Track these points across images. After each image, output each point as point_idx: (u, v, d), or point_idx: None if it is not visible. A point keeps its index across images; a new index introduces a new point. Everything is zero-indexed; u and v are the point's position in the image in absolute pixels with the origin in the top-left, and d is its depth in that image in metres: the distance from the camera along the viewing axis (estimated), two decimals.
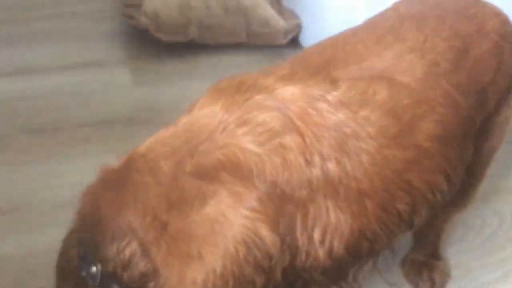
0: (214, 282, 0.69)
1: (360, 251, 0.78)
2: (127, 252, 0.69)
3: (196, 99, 0.79)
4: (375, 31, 0.85)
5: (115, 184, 0.73)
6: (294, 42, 1.97)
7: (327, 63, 0.80)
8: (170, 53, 1.92)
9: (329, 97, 0.75)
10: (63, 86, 1.78)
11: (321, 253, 0.75)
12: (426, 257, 1.23)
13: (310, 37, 1.90)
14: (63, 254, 0.79)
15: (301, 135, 0.72)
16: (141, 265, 0.69)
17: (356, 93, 0.76)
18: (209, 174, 0.70)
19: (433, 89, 0.80)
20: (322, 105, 0.74)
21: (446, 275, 1.23)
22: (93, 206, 0.73)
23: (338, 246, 0.75)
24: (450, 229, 1.25)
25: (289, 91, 0.75)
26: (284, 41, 1.91)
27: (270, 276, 0.72)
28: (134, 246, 0.69)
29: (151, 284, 0.70)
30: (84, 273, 0.73)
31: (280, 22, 1.91)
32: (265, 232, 0.69)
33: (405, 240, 1.24)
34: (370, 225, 0.76)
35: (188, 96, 1.84)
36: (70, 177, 1.45)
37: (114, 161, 0.78)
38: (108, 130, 1.62)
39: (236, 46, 1.96)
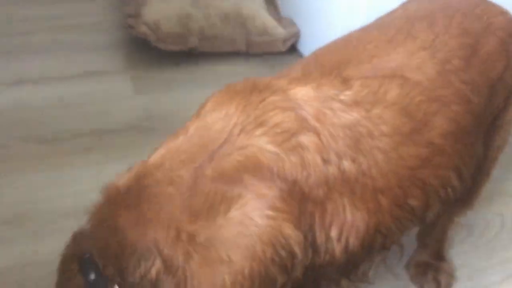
0: (242, 284, 0.68)
1: (374, 246, 0.78)
2: (153, 272, 0.67)
3: (204, 103, 0.77)
4: (386, 30, 0.84)
5: (133, 202, 0.70)
6: (293, 49, 1.96)
7: (339, 63, 0.79)
8: (170, 62, 1.90)
9: (343, 97, 0.74)
10: (64, 97, 1.74)
11: (338, 250, 0.74)
12: (431, 259, 1.21)
13: (309, 44, 1.89)
14: (64, 278, 0.74)
15: (317, 134, 0.71)
16: (166, 283, 0.67)
17: (368, 92, 0.76)
18: (231, 177, 0.69)
19: (445, 86, 0.79)
20: (336, 105, 0.74)
21: (451, 276, 1.21)
22: (112, 230, 0.69)
23: (353, 243, 0.74)
24: (453, 230, 1.24)
25: (303, 92, 0.74)
26: (283, 48, 1.90)
27: (291, 274, 0.72)
28: (158, 263, 0.67)
29: None
30: None
31: (278, 30, 1.90)
32: (290, 231, 0.69)
33: (409, 242, 1.21)
34: (384, 221, 0.76)
35: (189, 104, 1.81)
36: (71, 187, 1.42)
37: (115, 177, 0.74)
38: (109, 139, 1.59)
39: (235, 54, 1.94)
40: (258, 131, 0.70)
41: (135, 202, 0.69)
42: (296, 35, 1.92)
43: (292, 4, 2.00)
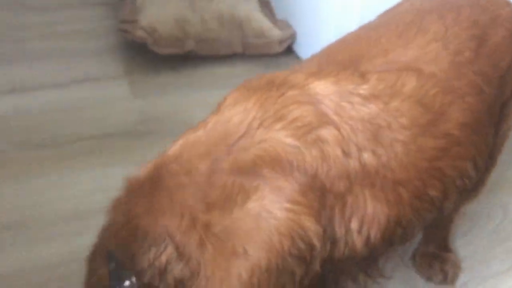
0: (259, 277, 0.66)
1: (394, 239, 0.77)
2: (163, 258, 0.66)
3: (223, 99, 0.76)
4: (395, 25, 0.84)
5: (148, 191, 0.69)
6: (289, 50, 1.94)
7: (354, 58, 0.79)
8: (167, 65, 1.87)
9: (361, 91, 0.74)
10: (61, 102, 1.71)
11: (358, 242, 0.73)
12: (437, 250, 1.20)
13: (305, 45, 1.88)
14: (92, 275, 0.74)
15: (337, 128, 0.71)
16: (176, 270, 0.66)
17: (385, 85, 0.75)
18: (249, 170, 0.67)
19: (459, 78, 0.78)
20: (355, 99, 0.73)
21: (457, 267, 1.21)
22: (126, 217, 0.69)
23: (375, 235, 0.73)
24: (458, 221, 1.22)
25: (322, 86, 0.73)
26: (279, 49, 1.88)
27: (309, 267, 0.70)
28: (169, 250, 0.66)
29: None
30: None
31: (274, 32, 1.88)
32: (309, 224, 0.67)
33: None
34: (405, 213, 0.75)
35: (186, 107, 1.80)
36: (72, 190, 1.39)
37: (136, 171, 0.74)
38: (109, 143, 1.56)
39: (232, 57, 1.92)
40: (277, 125, 0.69)
41: (150, 191, 0.69)
42: (292, 37, 1.90)
43: (287, 6, 1.98)
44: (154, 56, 1.85)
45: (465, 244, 1.27)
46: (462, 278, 1.20)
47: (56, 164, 1.46)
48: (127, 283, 0.68)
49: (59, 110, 1.67)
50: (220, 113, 0.73)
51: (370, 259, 0.78)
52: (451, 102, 0.77)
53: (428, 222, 0.81)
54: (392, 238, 0.76)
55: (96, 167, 1.46)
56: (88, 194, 1.39)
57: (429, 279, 1.19)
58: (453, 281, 1.19)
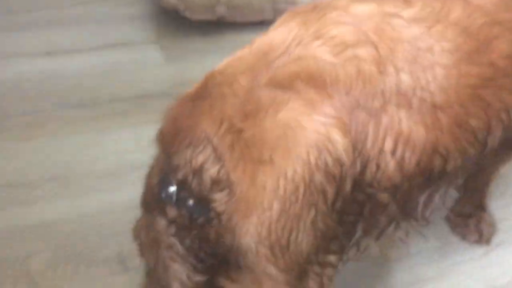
0: (285, 187, 0.66)
1: (432, 169, 0.75)
2: (200, 158, 0.68)
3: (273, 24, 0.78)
4: None
5: (194, 97, 0.73)
6: None
7: None
8: (198, 31, 1.87)
9: (404, 14, 0.72)
10: (97, 66, 1.73)
11: (392, 165, 0.71)
12: (473, 209, 1.18)
13: None
14: (147, 186, 0.78)
15: (376, 47, 0.70)
16: (212, 171, 0.68)
17: (430, 11, 0.73)
18: (284, 84, 0.68)
19: (508, 11, 0.76)
20: (397, 21, 0.72)
21: (492, 227, 1.19)
22: (171, 122, 0.73)
23: (409, 159, 0.71)
24: (494, 183, 1.20)
25: (364, 9, 0.73)
26: None
27: (340, 186, 0.69)
28: (207, 152, 0.68)
29: (223, 193, 0.68)
30: (163, 195, 0.72)
31: None
32: (338, 138, 0.67)
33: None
34: (443, 139, 0.73)
35: None
36: (110, 148, 1.41)
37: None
38: (143, 104, 1.58)
39: (263, 23, 1.90)
40: (315, 43, 0.70)
41: (195, 98, 0.72)
42: None
43: None
44: (185, 22, 1.85)
45: (501, 206, 1.26)
46: (497, 238, 1.19)
47: (94, 123, 1.49)
48: (171, 188, 0.72)
49: (94, 73, 1.69)
50: (266, 34, 0.75)
51: (406, 193, 0.76)
52: (498, 34, 0.74)
53: (470, 162, 0.79)
54: (430, 167, 0.74)
55: (132, 127, 1.48)
56: (125, 152, 1.41)
57: (463, 237, 1.18)
58: (488, 240, 1.18)
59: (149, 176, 0.80)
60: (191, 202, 0.71)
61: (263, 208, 0.66)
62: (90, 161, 1.35)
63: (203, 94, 0.72)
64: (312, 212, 0.68)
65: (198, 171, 0.69)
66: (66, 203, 1.23)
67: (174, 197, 0.72)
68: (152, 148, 1.42)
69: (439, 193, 0.82)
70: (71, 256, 1.11)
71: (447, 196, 0.86)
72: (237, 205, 0.67)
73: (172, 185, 0.72)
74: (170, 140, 0.72)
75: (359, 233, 0.78)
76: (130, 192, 1.30)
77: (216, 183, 0.68)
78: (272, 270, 0.69)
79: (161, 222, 0.74)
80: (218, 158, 0.68)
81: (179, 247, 0.73)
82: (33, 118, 1.49)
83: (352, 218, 0.75)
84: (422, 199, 0.80)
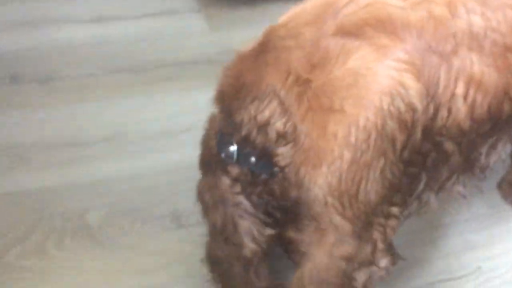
0: (356, 136, 0.65)
1: (501, 114, 0.73)
2: (267, 112, 0.67)
3: None
4: None
5: (256, 52, 0.71)
6: None
7: None
8: (242, 0, 1.85)
9: None
10: (144, 33, 1.73)
11: (463, 110, 0.70)
12: None
13: None
14: (205, 148, 0.78)
15: None
16: (279, 124, 0.67)
17: None
18: (352, 32, 0.66)
19: None
20: None
21: None
22: (232, 79, 0.71)
23: (480, 103, 0.70)
24: None
25: None
26: None
27: (411, 134, 0.68)
28: (273, 105, 0.67)
29: (288, 146, 0.67)
30: (223, 155, 0.72)
31: None
32: (411, 83, 0.65)
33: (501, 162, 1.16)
34: None
35: None
36: (158, 111, 1.42)
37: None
38: (189, 70, 1.59)
39: None
40: None
41: (258, 53, 0.70)
42: None
43: None
44: None
45: None
46: None
47: (142, 88, 1.50)
48: (232, 148, 0.72)
49: (140, 39, 1.70)
50: None
51: (472, 142, 0.75)
52: None
53: None
54: (499, 112, 0.72)
55: (179, 91, 1.49)
56: (173, 115, 1.42)
57: None
58: None
59: (205, 138, 0.80)
60: (253, 159, 0.71)
61: (333, 158, 0.65)
62: (140, 123, 1.37)
63: (266, 49, 0.70)
64: (382, 161, 0.67)
65: (264, 126, 0.68)
66: (119, 163, 1.25)
67: (235, 156, 0.72)
68: (199, 111, 1.42)
69: (501, 143, 0.80)
70: (127, 212, 1.12)
71: (506, 150, 0.85)
72: (305, 157, 0.67)
73: (232, 145, 0.72)
74: (231, 98, 0.71)
75: (421, 186, 0.76)
76: (180, 153, 1.34)
77: (282, 136, 0.68)
78: (338, 220, 0.69)
79: (225, 182, 0.75)
80: (285, 111, 0.67)
81: (247, 204, 0.74)
82: (83, 82, 1.51)
83: (415, 170, 0.74)
84: (484, 149, 0.79)
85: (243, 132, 0.70)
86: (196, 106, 1.48)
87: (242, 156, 0.72)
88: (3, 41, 1.63)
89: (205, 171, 0.79)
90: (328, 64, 0.66)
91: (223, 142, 0.73)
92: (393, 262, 0.78)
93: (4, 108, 1.39)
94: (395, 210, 0.74)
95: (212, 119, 0.80)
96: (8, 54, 1.58)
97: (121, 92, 1.47)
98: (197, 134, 0.85)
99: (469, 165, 0.80)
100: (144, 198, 1.16)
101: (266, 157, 0.70)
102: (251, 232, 0.74)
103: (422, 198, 0.80)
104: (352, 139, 0.65)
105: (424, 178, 0.76)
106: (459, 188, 0.83)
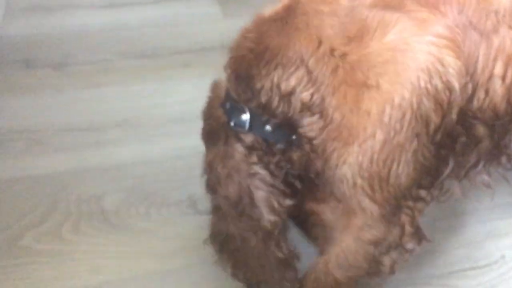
0: (391, 114, 0.61)
1: None
2: (292, 81, 0.63)
3: None
4: None
5: (282, 16, 0.65)
6: None
7: None
8: None
9: None
10: (157, 18, 1.71)
11: (500, 92, 0.66)
12: None
13: None
14: (209, 117, 0.75)
15: None
16: (305, 95, 0.63)
17: None
18: (392, 4, 0.63)
19: None
20: None
21: None
22: (252, 42, 0.66)
23: None
24: None
25: None
26: None
27: (445, 114, 0.65)
28: (300, 73, 0.63)
29: (314, 118, 0.64)
30: (232, 123, 0.69)
31: None
32: (451, 60, 0.62)
33: None
34: None
35: None
36: (173, 97, 1.40)
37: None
38: (204, 56, 1.56)
39: None
40: None
41: (285, 16, 0.65)
42: None
43: None
44: None
45: None
46: None
47: (157, 73, 1.47)
48: (244, 116, 0.68)
49: (154, 25, 1.68)
50: None
51: (503, 127, 0.72)
52: None
53: None
54: None
55: (194, 78, 1.46)
56: (188, 101, 1.39)
57: None
58: None
59: (209, 107, 0.76)
60: (268, 127, 0.68)
61: (365, 136, 0.62)
62: (154, 109, 1.35)
63: (294, 13, 0.65)
64: (415, 143, 0.64)
65: (287, 95, 0.64)
66: (134, 148, 1.23)
67: (247, 125, 0.68)
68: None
69: None
70: (143, 197, 1.10)
71: None
72: (334, 132, 0.63)
73: (244, 113, 0.68)
74: (250, 63, 0.66)
75: (448, 170, 0.73)
76: (196, 139, 1.31)
77: (308, 107, 0.64)
78: (367, 203, 0.66)
79: (240, 151, 0.70)
80: (313, 81, 0.63)
81: (264, 174, 0.70)
82: (97, 67, 1.48)
83: (444, 153, 0.71)
84: None
85: (263, 99, 0.66)
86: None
87: (256, 124, 0.68)
88: (18, 26, 1.61)
89: (213, 142, 0.74)
90: (365, 37, 0.62)
91: (234, 110, 0.69)
92: (420, 244, 0.75)
93: (18, 92, 1.37)
94: (423, 193, 0.71)
95: (216, 87, 0.76)
96: (22, 39, 1.56)
97: (135, 77, 1.45)
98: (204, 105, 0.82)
99: (497, 152, 0.77)
100: (160, 183, 1.14)
101: (286, 126, 0.67)
102: (270, 203, 0.70)
103: (445, 183, 0.77)
104: (386, 118, 0.61)
105: (451, 162, 0.73)
106: (484, 177, 0.79)
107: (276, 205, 0.70)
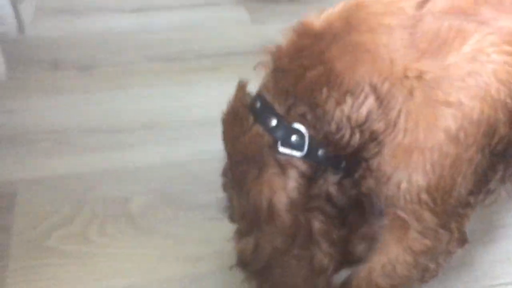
0: (466, 130, 0.58)
1: None
2: (364, 111, 0.58)
3: None
4: None
5: (342, 30, 0.59)
6: None
7: None
8: None
9: None
10: (185, 23, 1.71)
11: None
12: None
13: None
14: (236, 138, 0.67)
15: None
16: (377, 126, 0.58)
17: None
18: (466, 10, 0.58)
19: None
20: None
21: None
22: (310, 59, 0.61)
23: None
24: None
25: None
26: None
27: None
28: (371, 101, 0.58)
29: (378, 143, 0.59)
30: (282, 145, 0.62)
31: None
32: None
33: None
34: None
35: None
36: (197, 101, 1.38)
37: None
38: (231, 60, 1.54)
39: None
40: None
41: (343, 31, 0.59)
42: None
43: None
44: None
45: None
46: None
47: (183, 76, 1.46)
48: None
49: (181, 30, 1.67)
50: None
51: None
52: None
53: None
54: None
55: (219, 82, 1.45)
56: (213, 104, 1.36)
57: None
58: None
59: (235, 116, 0.68)
60: (321, 152, 0.62)
61: (440, 155, 0.58)
62: (180, 111, 1.33)
63: (358, 28, 0.59)
64: (479, 156, 0.61)
65: (358, 126, 0.59)
66: (160, 150, 1.21)
67: (306, 148, 0.62)
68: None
69: None
70: (170, 200, 1.08)
71: None
72: (401, 152, 0.59)
73: (296, 134, 0.62)
74: (313, 84, 0.60)
75: (498, 176, 0.69)
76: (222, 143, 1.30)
77: (378, 135, 0.59)
78: (427, 216, 0.63)
79: (294, 179, 0.62)
80: (386, 109, 0.58)
81: (323, 204, 0.64)
82: (124, 69, 1.48)
83: (496, 160, 0.67)
84: None
85: (331, 128, 0.59)
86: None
87: (312, 148, 0.61)
88: (46, 27, 1.62)
89: (250, 169, 0.65)
90: (442, 50, 0.57)
91: (282, 130, 0.62)
92: (463, 247, 0.71)
93: (46, 93, 1.36)
94: (472, 199, 0.67)
95: (241, 90, 0.71)
96: (51, 40, 1.57)
97: (161, 80, 1.44)
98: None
99: None
100: (187, 187, 1.11)
101: (341, 151, 0.61)
102: (329, 235, 0.64)
103: (491, 188, 0.73)
104: (462, 134, 0.58)
105: (501, 169, 0.70)
106: None
107: (335, 236, 0.66)
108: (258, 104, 0.66)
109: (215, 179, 1.17)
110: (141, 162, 1.17)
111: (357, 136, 0.60)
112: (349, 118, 0.59)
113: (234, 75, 1.48)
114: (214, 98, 1.46)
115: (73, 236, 1.00)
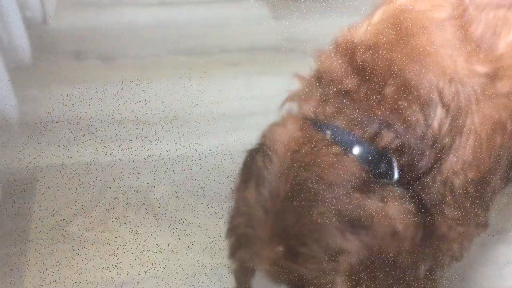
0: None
1: None
2: (436, 124, 0.53)
3: None
4: None
5: (396, 34, 0.56)
6: None
7: None
8: None
9: None
10: (208, 18, 1.70)
11: None
12: None
13: None
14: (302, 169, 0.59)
15: None
16: (447, 140, 0.54)
17: None
18: (503, 2, 0.57)
19: None
20: None
21: None
22: (383, 72, 0.55)
23: None
24: None
25: None
26: None
27: None
28: (439, 112, 0.53)
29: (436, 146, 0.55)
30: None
31: None
32: None
33: None
34: None
35: (324, 32, 1.72)
36: (219, 95, 1.37)
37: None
38: (253, 56, 1.53)
39: None
40: None
41: (398, 35, 0.55)
42: None
43: None
44: None
45: None
46: None
47: (204, 71, 1.45)
48: (357, 150, 0.55)
49: (204, 24, 1.66)
50: None
51: None
52: None
53: None
54: None
55: (244, 76, 1.44)
56: (235, 99, 1.37)
57: None
58: None
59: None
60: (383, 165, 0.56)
61: (488, 145, 0.56)
62: (201, 105, 1.32)
63: (410, 30, 0.55)
64: None
65: (434, 142, 0.55)
66: (182, 142, 1.20)
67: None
68: (262, 96, 1.34)
69: None
70: (192, 191, 1.07)
71: None
72: (463, 157, 0.56)
73: (358, 145, 0.55)
74: (391, 100, 0.54)
75: None
76: (244, 136, 1.28)
77: (442, 149, 0.56)
78: (467, 204, 0.61)
79: (405, 211, 0.54)
80: (453, 118, 0.54)
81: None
82: (146, 61, 1.47)
83: None
84: None
85: (409, 141, 0.54)
86: (260, 91, 1.44)
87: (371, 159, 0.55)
88: (69, 19, 1.62)
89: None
90: (493, 39, 0.55)
91: (345, 143, 0.55)
92: (485, 230, 0.68)
93: (68, 82, 1.36)
94: (499, 185, 0.65)
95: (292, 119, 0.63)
96: (74, 32, 1.57)
97: (182, 73, 1.43)
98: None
99: None
100: (208, 179, 1.10)
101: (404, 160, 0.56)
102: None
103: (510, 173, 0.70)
104: (510, 122, 0.56)
105: None
106: None
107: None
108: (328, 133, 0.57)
109: (235, 172, 1.17)
110: (164, 153, 1.16)
111: (432, 153, 0.55)
112: (424, 134, 0.54)
113: (255, 70, 1.49)
114: (235, 92, 1.45)
115: (94, 224, 0.99)
